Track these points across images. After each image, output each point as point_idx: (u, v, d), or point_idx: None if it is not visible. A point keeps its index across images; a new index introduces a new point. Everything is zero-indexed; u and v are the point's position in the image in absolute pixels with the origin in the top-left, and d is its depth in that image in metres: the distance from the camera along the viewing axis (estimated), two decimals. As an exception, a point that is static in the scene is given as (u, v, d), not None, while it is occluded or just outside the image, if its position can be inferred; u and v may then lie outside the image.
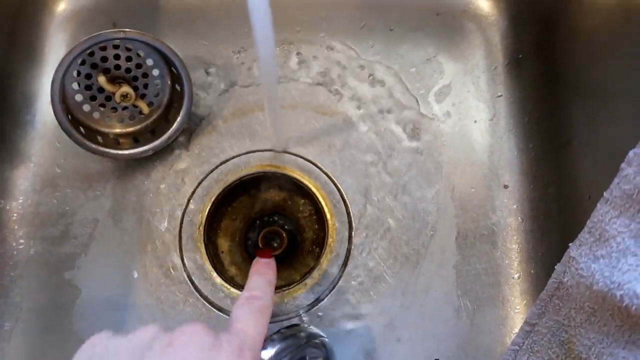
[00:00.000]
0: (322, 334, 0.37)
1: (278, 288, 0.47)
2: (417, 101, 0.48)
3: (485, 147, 0.47)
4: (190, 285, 0.45)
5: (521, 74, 0.47)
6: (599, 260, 0.31)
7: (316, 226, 0.50)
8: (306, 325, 0.37)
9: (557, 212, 0.42)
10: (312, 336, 0.36)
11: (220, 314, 0.44)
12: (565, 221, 0.41)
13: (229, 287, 0.45)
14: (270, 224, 0.50)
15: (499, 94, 0.48)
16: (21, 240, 0.46)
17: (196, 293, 0.45)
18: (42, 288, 0.45)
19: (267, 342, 0.32)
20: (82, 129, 0.46)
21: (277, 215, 0.51)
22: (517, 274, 0.44)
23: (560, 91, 0.43)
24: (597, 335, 0.32)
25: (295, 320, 0.43)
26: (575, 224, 0.39)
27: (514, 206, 0.45)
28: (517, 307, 0.43)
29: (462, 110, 0.48)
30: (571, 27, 0.42)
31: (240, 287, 0.46)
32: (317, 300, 0.44)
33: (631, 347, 0.30)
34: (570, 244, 0.34)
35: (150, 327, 0.26)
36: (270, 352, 0.31)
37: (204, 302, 0.45)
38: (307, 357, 0.35)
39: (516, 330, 0.42)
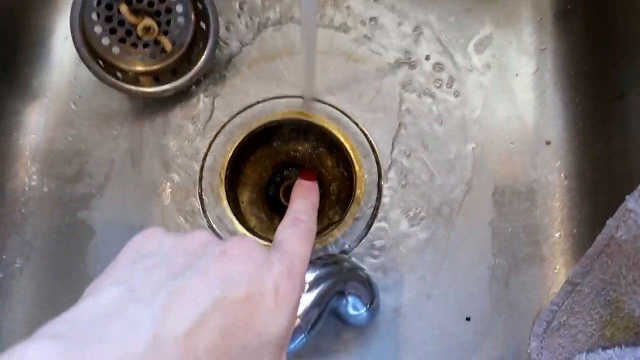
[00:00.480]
0: (366, 269, 0.36)
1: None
2: (456, 52, 0.46)
3: (527, 101, 0.44)
4: (211, 232, 0.43)
5: (569, 26, 0.45)
6: (663, 209, 0.29)
7: (343, 178, 0.47)
8: (350, 258, 0.36)
9: (605, 170, 0.40)
10: (356, 269, 0.34)
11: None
12: (614, 178, 0.39)
13: (250, 236, 0.43)
14: (294, 175, 0.48)
15: (544, 46, 0.45)
16: (34, 177, 0.43)
17: (216, 241, 0.43)
18: (54, 227, 0.42)
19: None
20: (101, 63, 0.43)
21: (302, 165, 0.48)
22: (558, 233, 0.42)
23: (611, 45, 0.41)
24: (655, 291, 0.30)
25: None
26: (625, 181, 0.37)
27: (557, 163, 0.43)
28: (557, 267, 0.41)
29: (503, 63, 0.45)
30: (628, -26, 0.40)
31: (262, 237, 0.44)
32: (342, 253, 0.42)
33: (698, 300, 0.27)
34: (627, 196, 0.32)
35: (202, 232, 0.24)
36: (310, 276, 0.30)
37: (224, 250, 0.42)
38: (347, 292, 0.33)
39: (554, 290, 0.40)
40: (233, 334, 0.19)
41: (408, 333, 0.40)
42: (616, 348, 0.31)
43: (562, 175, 0.42)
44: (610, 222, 0.34)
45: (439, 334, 0.40)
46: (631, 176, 0.36)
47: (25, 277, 0.41)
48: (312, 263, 0.31)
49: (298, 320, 0.28)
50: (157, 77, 0.46)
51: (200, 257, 0.22)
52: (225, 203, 0.44)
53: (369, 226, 0.43)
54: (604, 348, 0.34)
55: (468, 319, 0.40)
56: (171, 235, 0.24)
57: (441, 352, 0.40)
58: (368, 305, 0.36)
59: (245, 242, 0.23)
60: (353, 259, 0.35)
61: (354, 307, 0.36)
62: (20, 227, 0.42)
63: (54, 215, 0.42)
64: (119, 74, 0.44)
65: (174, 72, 0.46)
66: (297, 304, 0.23)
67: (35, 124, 0.44)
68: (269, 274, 0.22)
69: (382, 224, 0.43)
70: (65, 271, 0.41)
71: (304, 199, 0.33)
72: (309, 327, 0.30)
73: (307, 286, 0.30)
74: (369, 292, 0.35)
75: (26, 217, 0.42)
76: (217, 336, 0.19)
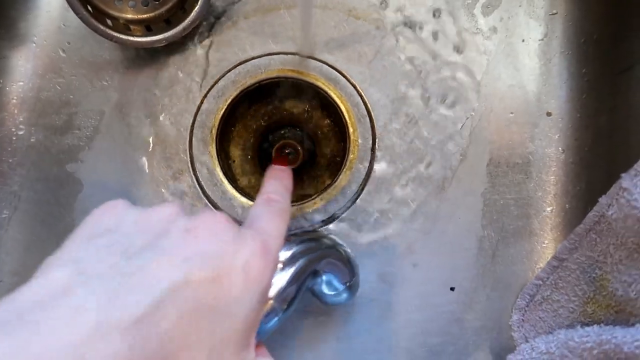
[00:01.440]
0: (346, 246, 0.34)
1: (291, 203, 0.45)
2: (462, 12, 0.44)
3: (531, 68, 0.42)
4: (200, 190, 0.42)
5: (583, -10, 0.42)
6: (657, 191, 0.28)
7: (337, 142, 0.46)
8: (329, 235, 0.35)
9: (605, 145, 0.39)
10: (336, 246, 0.33)
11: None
12: (613, 154, 0.38)
13: (239, 196, 0.43)
14: (286, 136, 0.47)
15: (554, 11, 0.43)
16: (21, 126, 0.42)
17: (205, 199, 0.42)
18: (42, 178, 0.42)
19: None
20: (90, 9, 0.41)
21: (295, 126, 0.47)
22: (550, 208, 0.41)
23: (627, 11, 0.38)
24: (640, 272, 0.30)
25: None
26: (624, 159, 0.36)
27: (556, 135, 0.41)
28: (545, 242, 0.41)
29: (510, 27, 0.43)
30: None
31: (252, 198, 0.44)
32: (332, 218, 0.42)
33: (681, 286, 0.27)
34: (622, 174, 0.31)
35: (170, 206, 0.22)
36: (285, 254, 0.29)
37: (213, 209, 0.42)
38: (324, 270, 0.33)
39: (541, 265, 0.40)
40: (195, 320, 0.18)
41: (392, 300, 0.40)
42: (595, 326, 0.31)
43: (560, 148, 0.41)
44: (602, 199, 0.33)
45: (423, 303, 0.40)
46: (629, 153, 0.35)
47: (13, 228, 0.41)
48: (288, 240, 0.30)
49: (272, 301, 0.27)
50: (149, 27, 0.44)
51: (161, 236, 0.20)
52: (215, 161, 0.43)
53: (359, 191, 0.42)
54: (584, 325, 0.34)
55: (452, 289, 0.40)
56: (133, 210, 0.22)
57: (424, 321, 0.40)
58: (347, 284, 0.35)
59: (214, 218, 0.21)
60: (332, 235, 0.34)
61: (331, 286, 0.34)
62: (8, 177, 0.42)
63: (42, 166, 0.42)
64: (109, 22, 0.42)
65: (167, 22, 0.44)
66: (269, 284, 0.22)
67: (23, 70, 0.43)
68: (239, 252, 0.20)
69: (374, 190, 0.42)
70: (53, 222, 0.41)
71: (277, 181, 0.32)
72: (285, 308, 0.28)
73: (281, 265, 0.29)
74: (349, 271, 0.35)
75: (13, 167, 0.42)
76: (174, 323, 0.17)
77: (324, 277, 0.34)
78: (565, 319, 0.36)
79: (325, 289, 0.34)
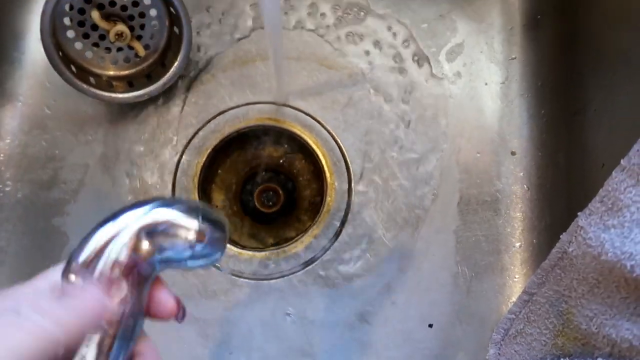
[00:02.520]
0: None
1: (273, 245, 0.46)
2: (427, 59, 0.46)
3: (494, 111, 0.45)
4: (183, 237, 0.44)
5: (538, 36, 0.45)
6: (609, 230, 0.30)
7: (315, 184, 0.48)
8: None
9: (565, 181, 0.41)
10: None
11: (214, 269, 0.43)
12: (572, 191, 0.40)
13: (222, 241, 0.44)
14: (267, 180, 0.49)
15: (513, 56, 0.46)
16: (8, 182, 0.44)
17: (188, 246, 0.44)
18: (29, 233, 0.43)
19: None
20: (73, 68, 0.43)
21: (274, 171, 0.49)
22: (519, 243, 0.43)
23: (578, 56, 0.41)
24: (600, 307, 0.31)
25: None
26: (583, 195, 0.38)
27: (521, 173, 0.44)
28: (516, 276, 0.42)
29: (474, 72, 0.46)
30: (596, -13, 0.40)
31: (236, 244, 0.45)
32: (312, 260, 0.43)
33: (636, 319, 0.29)
34: (579, 213, 0.33)
35: None
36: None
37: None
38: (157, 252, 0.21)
39: (514, 299, 0.41)
40: None
41: (372, 339, 0.41)
42: (567, 359, 0.33)
43: (525, 186, 0.44)
44: (563, 237, 0.35)
45: (402, 341, 0.41)
46: (586, 190, 0.37)
47: (1, 282, 0.42)
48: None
49: None
50: (131, 82, 0.46)
51: None
52: (197, 208, 0.45)
53: (338, 233, 0.44)
54: (555, 357, 0.35)
55: (430, 325, 0.41)
56: None
57: (404, 358, 0.41)
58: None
59: None
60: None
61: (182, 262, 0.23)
62: (-5, 232, 0.43)
63: (28, 220, 0.43)
64: (92, 79, 0.44)
65: (148, 76, 0.46)
66: None
67: (9, 128, 0.45)
68: None
69: (352, 230, 0.44)
70: (40, 275, 0.42)
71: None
72: None
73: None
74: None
75: (1, 222, 0.43)
76: None
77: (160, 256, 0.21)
78: (539, 351, 0.38)
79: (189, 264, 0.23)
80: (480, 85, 0.46)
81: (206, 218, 0.22)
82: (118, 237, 0.21)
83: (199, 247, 0.22)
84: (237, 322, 0.43)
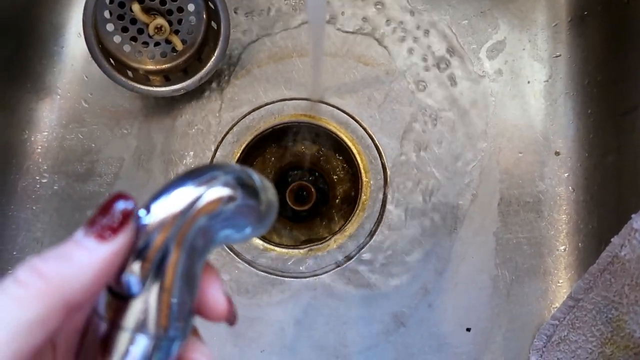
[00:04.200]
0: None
1: (304, 243, 0.46)
2: (468, 56, 0.45)
3: (538, 109, 0.44)
4: (216, 233, 0.43)
5: (585, 33, 0.43)
6: (668, 233, 0.29)
7: (349, 183, 0.47)
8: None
9: (614, 184, 0.39)
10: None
11: (247, 265, 0.43)
12: (623, 194, 0.38)
13: (255, 239, 0.44)
14: (300, 177, 0.48)
15: (558, 53, 0.44)
16: (45, 175, 0.44)
17: (221, 242, 0.43)
18: (64, 225, 0.43)
19: None
20: (112, 61, 0.43)
21: (309, 169, 0.48)
22: (563, 247, 0.41)
23: (628, 54, 0.40)
24: (656, 314, 0.30)
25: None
26: (635, 198, 0.36)
27: (565, 174, 0.42)
28: (560, 281, 0.41)
29: (516, 69, 0.45)
30: (649, -18, 0.38)
31: (267, 240, 0.44)
32: (346, 259, 0.43)
33: (698, 328, 0.27)
34: (633, 215, 0.31)
35: None
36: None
37: (230, 252, 0.43)
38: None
39: (557, 304, 0.40)
40: None
41: (408, 342, 0.40)
42: (615, 368, 0.31)
43: (570, 187, 0.42)
44: (615, 240, 0.34)
45: (439, 344, 0.40)
46: (638, 192, 0.36)
47: (36, 273, 0.42)
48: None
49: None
50: (167, 76, 0.46)
51: None
52: (231, 204, 0.44)
53: (373, 232, 0.43)
54: (603, 366, 0.34)
55: (468, 329, 0.40)
56: None
57: (440, 361, 0.40)
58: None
59: None
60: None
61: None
62: (31, 223, 0.43)
63: (64, 213, 0.43)
64: (129, 73, 0.44)
65: (185, 71, 0.46)
66: None
67: (47, 121, 0.45)
68: None
69: (386, 230, 0.43)
70: (74, 267, 0.42)
71: None
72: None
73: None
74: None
75: (37, 214, 0.43)
76: None
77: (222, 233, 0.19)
78: (584, 359, 0.36)
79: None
80: (522, 83, 0.44)
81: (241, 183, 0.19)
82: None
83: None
84: (269, 321, 0.42)
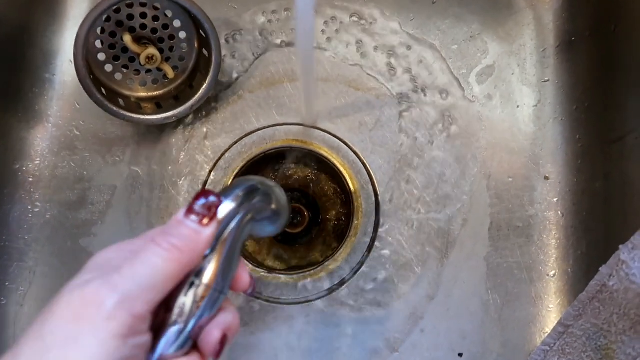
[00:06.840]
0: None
1: (297, 269, 0.46)
2: (458, 81, 0.46)
3: (527, 134, 0.44)
4: (209, 260, 0.44)
5: (573, 59, 0.44)
6: (655, 266, 0.29)
7: (341, 207, 0.48)
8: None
9: (603, 210, 0.40)
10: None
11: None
12: (611, 220, 0.39)
13: (248, 263, 0.44)
14: (293, 201, 0.48)
15: (546, 78, 0.45)
16: (37, 204, 0.44)
17: (214, 268, 0.43)
18: (56, 254, 0.43)
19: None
20: (103, 90, 0.43)
21: (300, 193, 0.49)
22: (553, 272, 0.42)
23: (616, 80, 0.40)
24: (644, 346, 0.30)
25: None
26: (623, 225, 0.37)
27: (555, 199, 0.43)
28: (550, 306, 0.41)
29: (505, 94, 0.45)
30: (634, 9, 0.39)
31: (260, 264, 0.45)
32: (339, 284, 0.43)
33: (684, 363, 0.28)
34: (620, 246, 0.32)
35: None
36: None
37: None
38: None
39: (547, 330, 0.40)
40: None
41: (400, 368, 0.40)
42: (604, 397, 0.32)
43: (560, 212, 0.42)
44: (603, 269, 0.34)
45: (431, 370, 0.40)
46: (627, 220, 0.36)
47: (29, 303, 0.42)
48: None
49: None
50: (159, 104, 0.46)
51: None
52: (224, 230, 0.44)
53: (365, 257, 0.43)
54: (593, 394, 0.34)
55: (460, 354, 0.40)
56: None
57: (433, 387, 0.40)
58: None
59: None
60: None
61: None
62: (23, 253, 0.43)
63: (56, 241, 0.43)
64: (121, 101, 0.44)
65: (176, 98, 0.46)
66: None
67: (39, 149, 0.45)
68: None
69: (378, 255, 0.43)
70: (67, 296, 0.42)
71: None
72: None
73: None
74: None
75: (29, 243, 0.43)
76: None
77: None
78: (575, 385, 0.36)
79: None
80: (512, 108, 0.45)
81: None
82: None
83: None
84: (262, 346, 0.42)
